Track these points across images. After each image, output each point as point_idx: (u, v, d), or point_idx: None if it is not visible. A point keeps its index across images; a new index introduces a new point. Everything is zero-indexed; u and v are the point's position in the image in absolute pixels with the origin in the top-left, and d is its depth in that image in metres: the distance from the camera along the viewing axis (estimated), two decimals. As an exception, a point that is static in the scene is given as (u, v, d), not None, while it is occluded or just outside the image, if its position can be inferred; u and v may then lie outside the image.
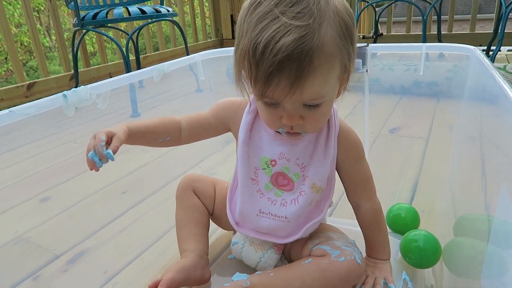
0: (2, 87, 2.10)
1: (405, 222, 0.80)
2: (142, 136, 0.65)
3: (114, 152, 0.56)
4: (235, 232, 0.75)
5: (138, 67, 2.34)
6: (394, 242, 0.74)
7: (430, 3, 2.73)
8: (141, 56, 2.53)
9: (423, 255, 0.69)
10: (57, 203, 1.09)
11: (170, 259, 0.81)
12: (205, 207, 0.77)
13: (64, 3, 2.13)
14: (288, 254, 0.72)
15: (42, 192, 1.14)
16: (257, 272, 0.65)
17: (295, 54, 0.46)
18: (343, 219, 0.86)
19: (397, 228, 0.81)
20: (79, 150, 1.41)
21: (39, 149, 1.34)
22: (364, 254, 0.71)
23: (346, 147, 0.65)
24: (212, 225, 0.80)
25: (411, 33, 3.30)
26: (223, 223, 0.79)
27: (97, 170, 0.56)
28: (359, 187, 0.67)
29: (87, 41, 3.28)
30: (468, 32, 3.08)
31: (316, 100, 0.52)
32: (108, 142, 0.57)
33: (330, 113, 0.61)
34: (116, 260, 0.83)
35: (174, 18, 2.12)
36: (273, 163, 0.64)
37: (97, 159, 0.55)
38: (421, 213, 0.84)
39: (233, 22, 3.73)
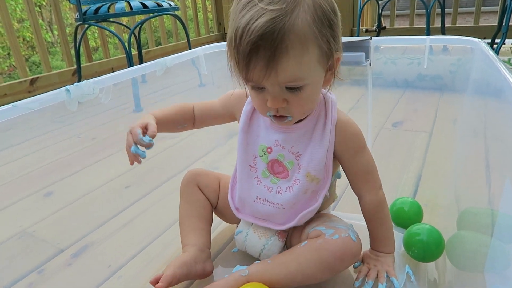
0: (5, 82, 2.11)
1: (408, 216, 0.80)
2: (164, 125, 0.70)
3: (153, 137, 0.62)
4: (238, 224, 0.75)
5: (141, 62, 2.33)
6: (397, 236, 0.74)
7: (434, -4, 2.70)
8: (143, 51, 2.53)
9: (426, 249, 0.69)
10: (61, 198, 1.10)
11: (174, 253, 0.81)
12: (208, 201, 0.77)
13: (66, -2, 2.13)
14: (289, 242, 0.73)
15: (45, 186, 1.15)
16: (257, 262, 0.66)
17: (267, 34, 0.49)
18: (346, 213, 0.86)
19: (400, 222, 0.81)
20: (83, 144, 1.42)
21: (42, 143, 1.34)
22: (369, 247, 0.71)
23: (344, 137, 0.65)
24: (215, 219, 0.80)
25: (414, 26, 3.28)
26: (227, 216, 0.80)
27: (139, 162, 0.63)
28: (360, 179, 0.67)
29: (89, 36, 3.28)
30: (472, 25, 3.05)
31: (295, 82, 0.54)
32: (144, 132, 0.63)
33: (317, 99, 0.62)
34: (120, 253, 0.84)
35: (176, 12, 2.11)
36: (269, 150, 0.67)
37: (141, 151, 0.62)
38: (424, 207, 0.84)
39: (235, 16, 3.71)
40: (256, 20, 0.49)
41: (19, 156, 1.31)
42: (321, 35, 0.53)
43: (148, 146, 0.62)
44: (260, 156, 0.68)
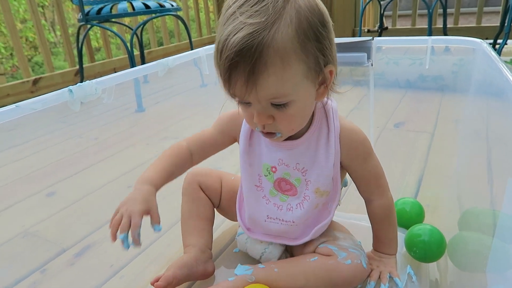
0: (8, 82, 2.12)
1: (410, 217, 0.80)
2: (164, 183, 0.68)
3: (159, 222, 0.60)
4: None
5: (143, 62, 2.34)
6: (399, 236, 0.73)
7: (436, -4, 2.70)
8: (145, 51, 2.53)
9: (427, 249, 0.69)
10: (63, 198, 1.10)
11: (175, 253, 0.81)
12: (210, 201, 0.77)
13: (69, -2, 2.13)
14: (290, 247, 0.72)
15: (48, 186, 1.15)
16: (261, 265, 0.66)
17: (244, 50, 0.47)
18: (347, 213, 0.86)
19: (402, 222, 0.80)
20: (85, 144, 1.42)
21: (45, 143, 1.35)
22: (371, 247, 0.71)
23: (350, 146, 0.63)
24: (218, 219, 0.80)
25: (416, 27, 3.27)
26: (229, 214, 0.80)
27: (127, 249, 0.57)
28: (370, 184, 0.66)
29: (91, 36, 3.29)
30: (474, 25, 3.04)
31: (278, 99, 0.51)
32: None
33: (307, 115, 0.59)
34: (122, 253, 0.84)
35: (178, 13, 2.11)
36: (273, 169, 0.65)
37: (127, 244, 0.55)
38: (426, 207, 0.84)
39: (237, 17, 3.71)
40: (235, 34, 0.47)
41: (22, 156, 1.31)
42: (305, 49, 0.50)
43: (136, 244, 0.57)
44: (265, 176, 0.66)
